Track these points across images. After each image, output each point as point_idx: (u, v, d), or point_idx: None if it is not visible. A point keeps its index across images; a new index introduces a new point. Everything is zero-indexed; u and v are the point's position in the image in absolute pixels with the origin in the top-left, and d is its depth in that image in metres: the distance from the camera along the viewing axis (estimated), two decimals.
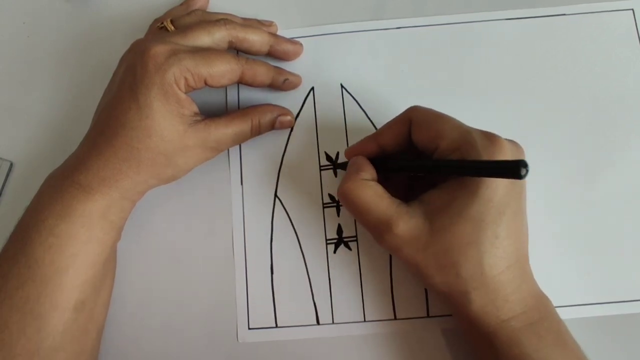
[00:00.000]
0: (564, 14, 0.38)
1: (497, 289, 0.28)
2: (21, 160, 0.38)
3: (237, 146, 0.37)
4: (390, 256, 0.35)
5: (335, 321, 0.34)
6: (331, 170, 0.36)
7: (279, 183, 0.36)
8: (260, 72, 0.33)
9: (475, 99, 0.37)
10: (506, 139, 0.28)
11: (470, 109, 0.36)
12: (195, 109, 0.32)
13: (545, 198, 0.35)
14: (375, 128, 0.36)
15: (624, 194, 0.35)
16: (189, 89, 0.31)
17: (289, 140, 0.36)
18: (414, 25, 0.38)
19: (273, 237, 0.35)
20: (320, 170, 0.36)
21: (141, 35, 0.37)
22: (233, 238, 0.35)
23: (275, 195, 0.36)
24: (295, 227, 0.35)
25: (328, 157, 0.36)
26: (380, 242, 0.30)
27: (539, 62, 0.37)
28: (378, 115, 0.37)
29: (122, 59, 0.33)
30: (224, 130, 0.32)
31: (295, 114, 0.37)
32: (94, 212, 0.30)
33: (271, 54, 0.36)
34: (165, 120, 0.30)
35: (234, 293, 0.35)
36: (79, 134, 0.33)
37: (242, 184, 0.36)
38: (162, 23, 0.34)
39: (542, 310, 0.29)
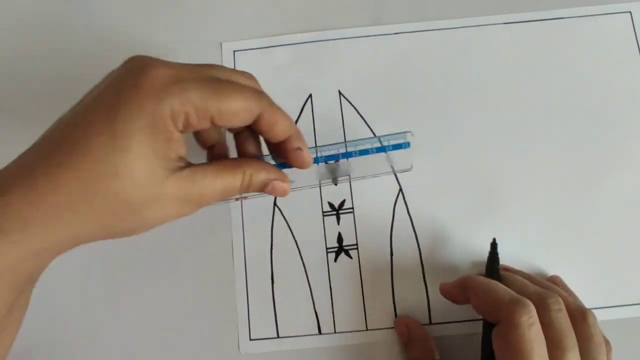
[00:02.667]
0: (562, 18, 0.38)
1: None
2: None
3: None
4: (392, 263, 0.34)
5: (337, 330, 0.34)
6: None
7: None
8: (281, 123, 0.27)
9: (474, 103, 0.37)
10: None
11: (469, 113, 0.36)
12: (183, 152, 0.25)
13: (546, 205, 0.35)
14: (374, 134, 0.36)
15: (626, 197, 0.35)
16: (187, 129, 0.25)
17: None
18: (411, 30, 0.38)
19: (273, 247, 0.35)
20: None
21: (141, 35, 0.37)
22: (233, 249, 0.35)
23: (275, 205, 0.36)
24: (295, 236, 0.35)
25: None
26: None
27: (536, 66, 0.37)
28: (376, 121, 0.36)
29: (112, 72, 0.26)
30: (211, 181, 0.26)
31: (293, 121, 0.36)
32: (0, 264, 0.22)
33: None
34: (143, 160, 0.23)
35: (235, 304, 0.34)
36: None
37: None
38: None
39: None
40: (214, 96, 0.24)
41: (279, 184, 0.28)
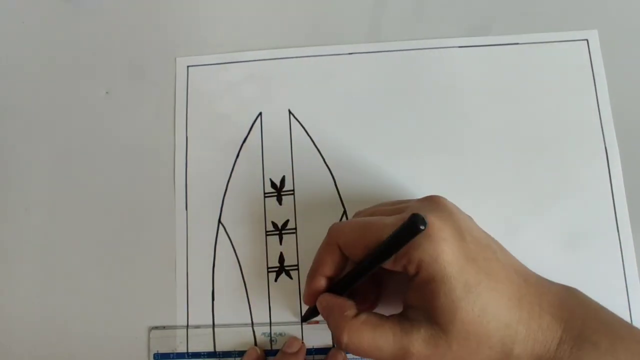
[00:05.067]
0: (518, 43, 0.37)
1: (524, 325, 0.25)
2: (19, 160, 0.38)
3: (184, 170, 0.37)
4: None
5: (273, 348, 0.34)
6: (275, 198, 0.36)
7: (223, 209, 0.36)
8: None
9: (425, 126, 0.36)
10: (418, 200, 0.28)
11: (419, 136, 0.36)
12: None
13: (494, 229, 0.34)
14: (322, 155, 0.36)
15: (575, 224, 0.35)
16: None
17: (235, 167, 0.36)
18: (365, 51, 0.38)
19: (215, 264, 0.35)
20: (265, 197, 0.36)
21: (140, 35, 0.39)
22: (176, 263, 0.35)
23: (219, 222, 0.36)
24: (238, 254, 0.35)
25: (273, 185, 0.36)
26: None
27: (489, 91, 0.37)
28: (325, 142, 0.36)
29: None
30: None
31: (242, 139, 0.37)
32: None
33: None
34: None
35: (175, 317, 0.35)
36: (78, 136, 0.35)
37: (186, 209, 0.36)
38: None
39: (572, 311, 0.26)
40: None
41: None
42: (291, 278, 0.35)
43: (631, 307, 0.33)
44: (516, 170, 0.35)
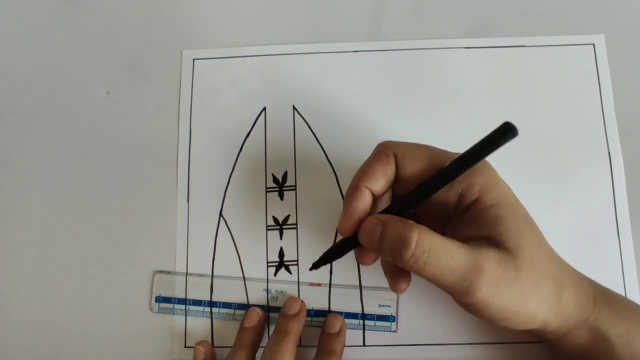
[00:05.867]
0: (524, 46, 0.37)
1: (568, 273, 0.26)
2: (20, 160, 0.38)
3: (187, 163, 0.37)
4: (330, 282, 0.35)
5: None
6: (277, 193, 0.36)
7: (225, 203, 0.36)
8: None
9: (427, 125, 0.36)
10: None
11: (423, 134, 0.36)
12: None
13: None
14: (324, 151, 0.36)
15: (575, 225, 0.35)
16: None
17: (237, 160, 0.36)
18: (371, 49, 0.38)
19: (215, 257, 0.35)
20: (266, 191, 0.36)
21: (140, 35, 0.39)
22: (176, 255, 0.35)
23: (220, 215, 0.36)
24: (238, 248, 0.35)
25: (275, 179, 0.36)
26: (471, 295, 0.24)
27: (496, 92, 0.37)
28: (328, 138, 0.36)
29: None
30: None
31: (245, 133, 0.37)
32: None
33: None
34: None
35: (173, 309, 0.35)
36: (78, 135, 0.36)
37: (188, 201, 0.36)
38: None
39: (592, 282, 0.28)
40: None
41: None
42: (290, 273, 0.35)
43: None
44: (517, 173, 0.35)
